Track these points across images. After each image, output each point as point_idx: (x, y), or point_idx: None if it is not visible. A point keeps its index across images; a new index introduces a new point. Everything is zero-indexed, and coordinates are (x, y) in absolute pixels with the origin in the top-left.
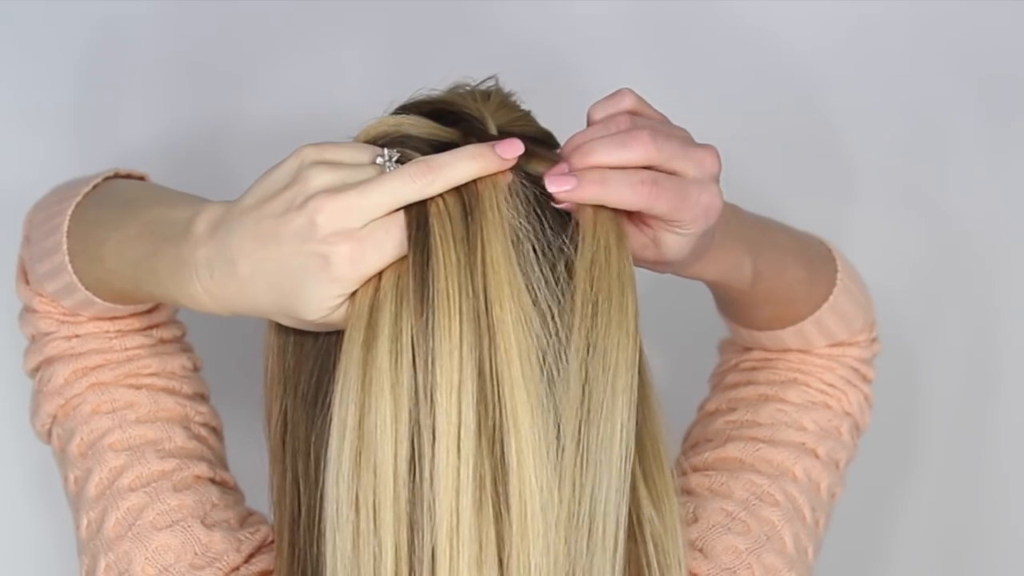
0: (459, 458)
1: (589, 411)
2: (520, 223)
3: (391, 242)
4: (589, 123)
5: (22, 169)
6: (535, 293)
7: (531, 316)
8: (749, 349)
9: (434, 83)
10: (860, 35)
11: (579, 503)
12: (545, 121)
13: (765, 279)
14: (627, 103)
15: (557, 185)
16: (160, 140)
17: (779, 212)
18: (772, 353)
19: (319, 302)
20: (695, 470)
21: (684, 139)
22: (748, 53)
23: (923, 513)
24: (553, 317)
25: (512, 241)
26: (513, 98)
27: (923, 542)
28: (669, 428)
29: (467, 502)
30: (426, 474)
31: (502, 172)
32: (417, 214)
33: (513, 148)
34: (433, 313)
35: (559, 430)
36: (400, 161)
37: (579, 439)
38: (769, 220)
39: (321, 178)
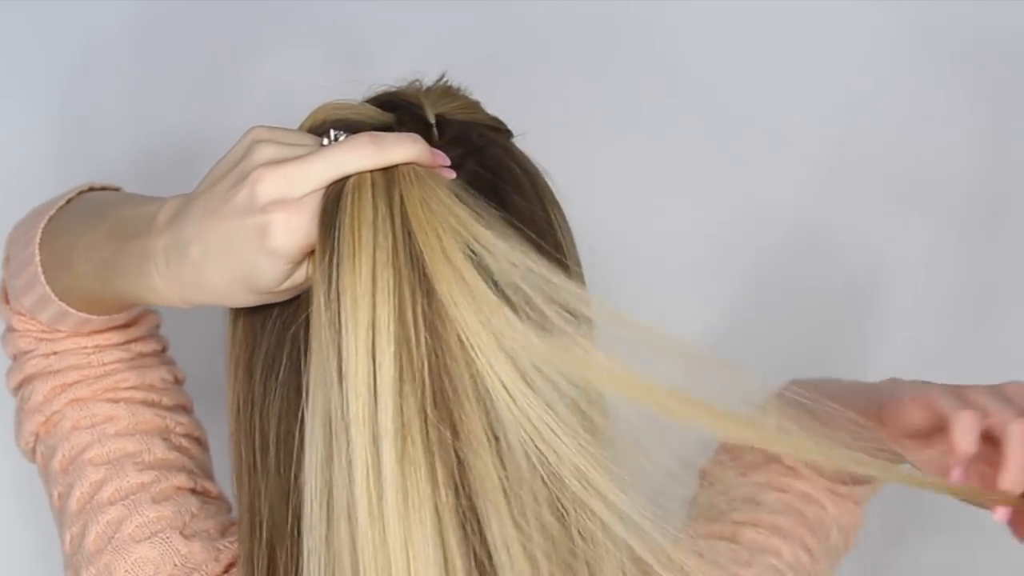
0: (373, 360)
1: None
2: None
3: None
4: None
5: (10, 172)
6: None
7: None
8: None
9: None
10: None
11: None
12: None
13: None
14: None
15: None
16: (143, 146)
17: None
18: None
19: (270, 272)
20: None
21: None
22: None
23: None
24: None
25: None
26: (462, 91)
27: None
28: None
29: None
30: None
31: (435, 173)
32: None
33: (443, 158)
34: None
35: None
36: None
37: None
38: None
39: (266, 151)
